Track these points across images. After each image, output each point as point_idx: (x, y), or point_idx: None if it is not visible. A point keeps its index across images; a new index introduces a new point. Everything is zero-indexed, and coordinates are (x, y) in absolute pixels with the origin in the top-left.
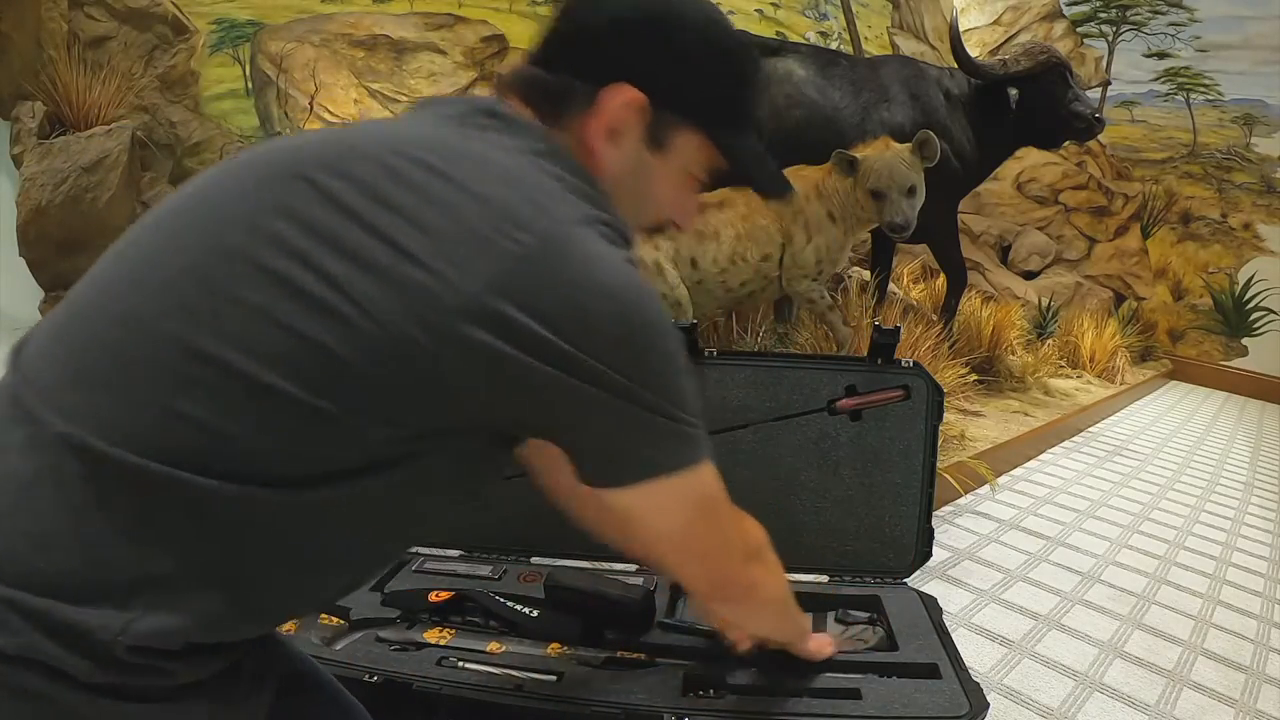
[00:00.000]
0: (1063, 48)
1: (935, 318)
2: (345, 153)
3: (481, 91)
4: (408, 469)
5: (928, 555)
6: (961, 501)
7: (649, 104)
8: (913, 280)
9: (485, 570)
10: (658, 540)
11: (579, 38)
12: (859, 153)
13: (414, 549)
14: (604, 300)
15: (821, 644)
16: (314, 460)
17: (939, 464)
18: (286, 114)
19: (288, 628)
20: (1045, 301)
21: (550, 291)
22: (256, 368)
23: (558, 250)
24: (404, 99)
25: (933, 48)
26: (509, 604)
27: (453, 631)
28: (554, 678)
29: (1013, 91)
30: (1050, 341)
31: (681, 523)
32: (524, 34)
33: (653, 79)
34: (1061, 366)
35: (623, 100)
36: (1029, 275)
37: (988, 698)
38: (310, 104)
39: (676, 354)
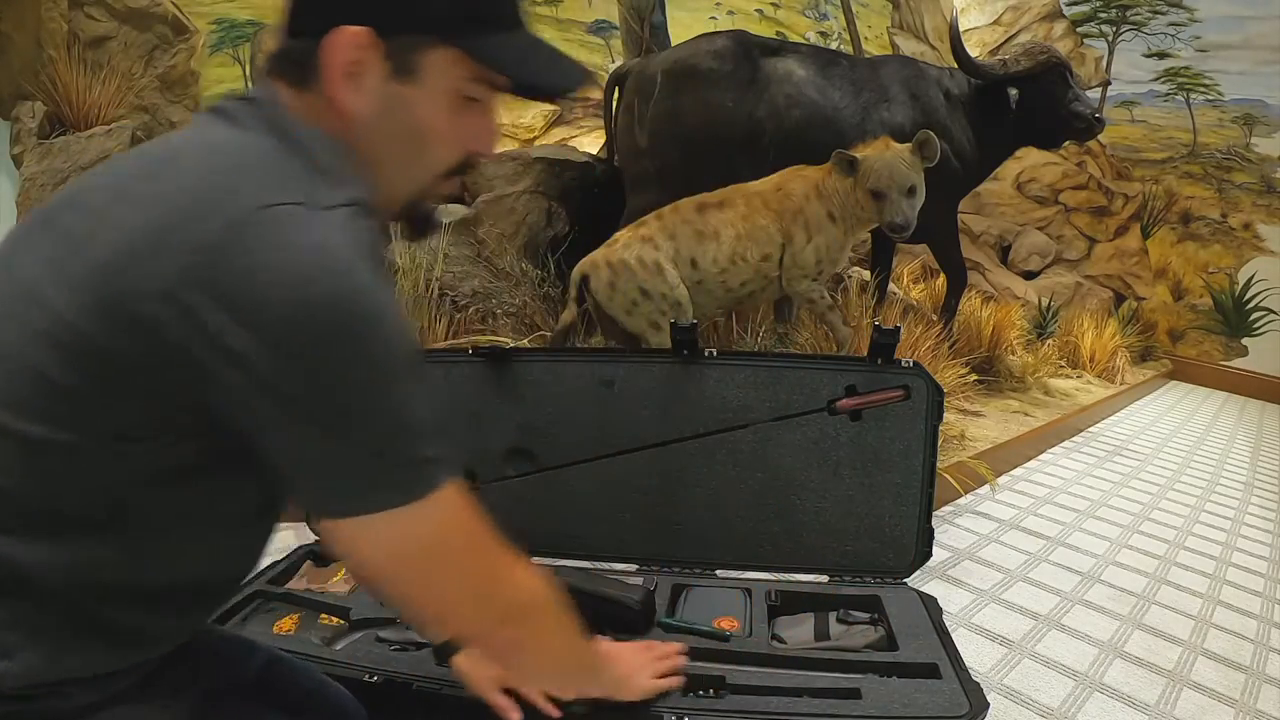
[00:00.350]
0: (1063, 48)
1: (935, 318)
2: (85, 186)
3: None
4: (180, 489)
5: (928, 555)
6: (961, 501)
7: (375, 34)
8: (913, 280)
9: None
10: (371, 576)
11: None
12: (859, 153)
13: None
14: (288, 289)
15: (658, 678)
16: (81, 496)
17: (939, 464)
18: None
19: (284, 627)
20: (1045, 301)
21: (237, 279)
22: (14, 419)
23: (246, 234)
24: None
25: (933, 48)
26: None
27: None
28: None
29: (1013, 91)
30: (1050, 341)
31: (392, 566)
32: None
33: (371, 8)
34: (1061, 366)
35: (341, 41)
36: (1029, 275)
37: (988, 698)
38: None
39: (388, 359)
